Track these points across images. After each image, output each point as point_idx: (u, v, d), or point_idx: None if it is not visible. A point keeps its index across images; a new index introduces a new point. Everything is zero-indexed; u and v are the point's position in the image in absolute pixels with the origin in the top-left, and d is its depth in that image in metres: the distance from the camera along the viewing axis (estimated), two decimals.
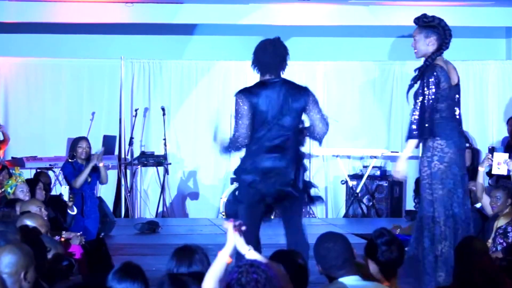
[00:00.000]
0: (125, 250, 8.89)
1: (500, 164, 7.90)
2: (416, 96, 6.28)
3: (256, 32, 12.89)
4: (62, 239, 6.68)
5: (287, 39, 12.56)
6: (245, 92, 6.24)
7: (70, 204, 8.73)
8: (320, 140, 6.43)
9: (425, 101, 6.21)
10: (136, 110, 12.39)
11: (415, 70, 6.37)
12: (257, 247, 5.87)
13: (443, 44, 6.35)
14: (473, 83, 13.00)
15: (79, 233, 7.16)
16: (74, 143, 9.63)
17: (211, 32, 13.17)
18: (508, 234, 7.45)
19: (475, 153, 11.93)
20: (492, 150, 8.65)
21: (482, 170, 8.42)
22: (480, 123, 12.98)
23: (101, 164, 9.46)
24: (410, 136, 6.25)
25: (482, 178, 8.38)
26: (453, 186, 6.30)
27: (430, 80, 6.23)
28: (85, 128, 11.96)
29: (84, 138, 9.76)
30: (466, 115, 12.93)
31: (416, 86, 6.35)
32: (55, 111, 12.51)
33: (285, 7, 12.55)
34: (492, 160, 7.98)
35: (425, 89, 6.22)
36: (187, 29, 13.09)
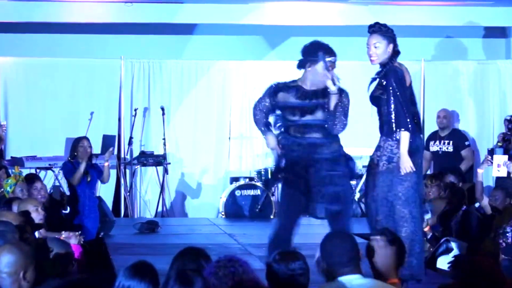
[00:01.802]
0: (124, 249, 8.89)
1: (500, 166, 7.89)
2: (390, 98, 6.58)
3: (256, 31, 12.92)
4: (62, 239, 6.67)
5: (286, 39, 12.64)
6: None
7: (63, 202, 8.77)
8: None
9: (400, 99, 6.38)
10: (135, 110, 12.38)
11: (380, 66, 6.56)
12: None
13: (396, 49, 6.56)
14: (472, 83, 12.99)
15: (77, 233, 7.16)
16: (75, 143, 9.66)
17: (210, 32, 13.16)
18: (507, 234, 7.45)
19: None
20: (491, 151, 8.63)
21: (481, 171, 8.43)
22: (480, 124, 12.95)
23: (106, 164, 9.61)
24: (405, 128, 6.50)
25: (481, 179, 8.38)
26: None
27: (399, 79, 6.41)
28: (84, 128, 11.95)
29: (85, 138, 9.82)
30: (466, 115, 12.94)
31: (375, 82, 6.51)
32: (55, 110, 12.47)
33: (285, 7, 12.54)
34: (491, 162, 7.97)
35: (397, 88, 6.49)
36: (187, 29, 13.07)
